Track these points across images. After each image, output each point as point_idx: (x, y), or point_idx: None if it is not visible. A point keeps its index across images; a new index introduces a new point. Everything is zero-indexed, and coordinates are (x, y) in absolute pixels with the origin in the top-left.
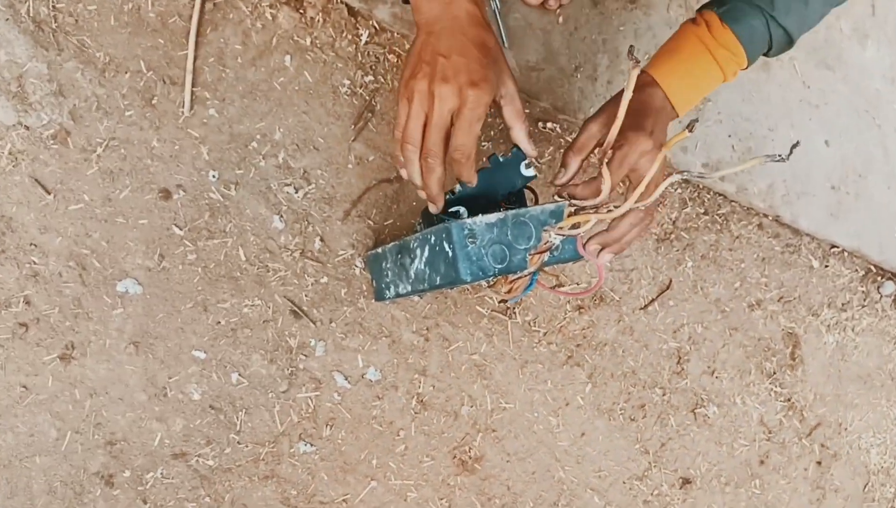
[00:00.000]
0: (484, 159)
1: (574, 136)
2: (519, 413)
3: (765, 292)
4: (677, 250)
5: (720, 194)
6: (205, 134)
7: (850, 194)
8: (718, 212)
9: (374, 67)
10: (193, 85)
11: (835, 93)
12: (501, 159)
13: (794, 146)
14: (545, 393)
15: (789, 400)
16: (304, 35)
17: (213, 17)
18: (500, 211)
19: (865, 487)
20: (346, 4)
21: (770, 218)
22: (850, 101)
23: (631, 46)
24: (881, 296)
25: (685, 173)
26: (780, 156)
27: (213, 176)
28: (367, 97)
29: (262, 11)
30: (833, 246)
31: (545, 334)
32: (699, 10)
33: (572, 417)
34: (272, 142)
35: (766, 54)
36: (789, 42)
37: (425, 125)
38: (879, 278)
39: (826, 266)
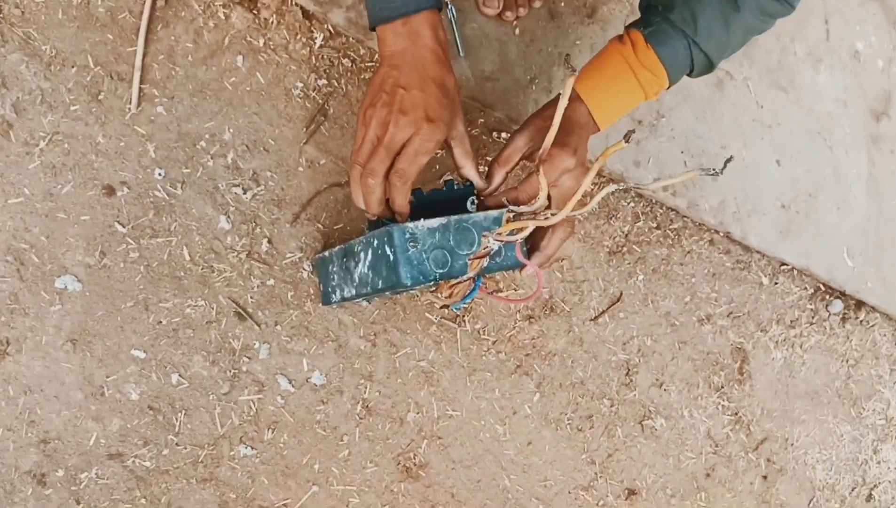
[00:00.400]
0: (440, 180)
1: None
2: (465, 421)
3: (714, 306)
4: (629, 263)
5: (672, 210)
6: (152, 131)
7: (799, 213)
8: (670, 227)
9: (328, 71)
10: (142, 82)
11: (788, 114)
12: (455, 187)
13: (728, 161)
14: (493, 402)
15: (736, 414)
16: (258, 36)
17: (165, 14)
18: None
19: (811, 502)
20: (301, 7)
21: (721, 234)
22: (802, 122)
23: (567, 55)
24: (829, 314)
25: (621, 184)
26: (713, 170)
27: (159, 174)
28: (321, 101)
29: (214, 11)
30: (783, 264)
31: (494, 342)
32: (627, 28)
33: (519, 426)
34: (221, 142)
35: (688, 75)
36: (710, 66)
37: (375, 148)
38: (828, 297)
39: (776, 283)
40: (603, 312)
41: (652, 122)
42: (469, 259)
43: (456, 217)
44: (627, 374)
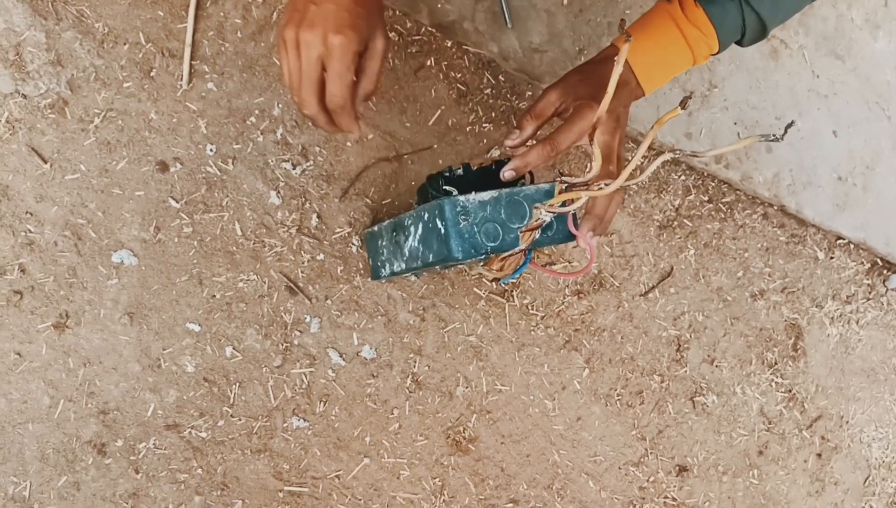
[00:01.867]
0: (487, 156)
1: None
2: (515, 396)
3: (768, 282)
4: (679, 238)
5: (725, 183)
6: (203, 108)
7: (857, 185)
8: (723, 200)
9: None
10: (192, 58)
11: (844, 83)
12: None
13: (789, 126)
14: (541, 377)
15: (790, 391)
16: None
17: None
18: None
19: (866, 481)
20: None
21: (775, 208)
22: (859, 92)
23: (622, 20)
24: (887, 289)
25: (676, 152)
26: (774, 136)
27: (211, 150)
28: None
29: None
30: (839, 238)
31: (543, 317)
32: None
33: (568, 401)
34: (271, 118)
35: (739, 43)
36: (763, 30)
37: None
38: (885, 272)
39: (831, 258)
40: (653, 287)
41: (704, 92)
42: (520, 231)
43: (507, 190)
44: (678, 350)
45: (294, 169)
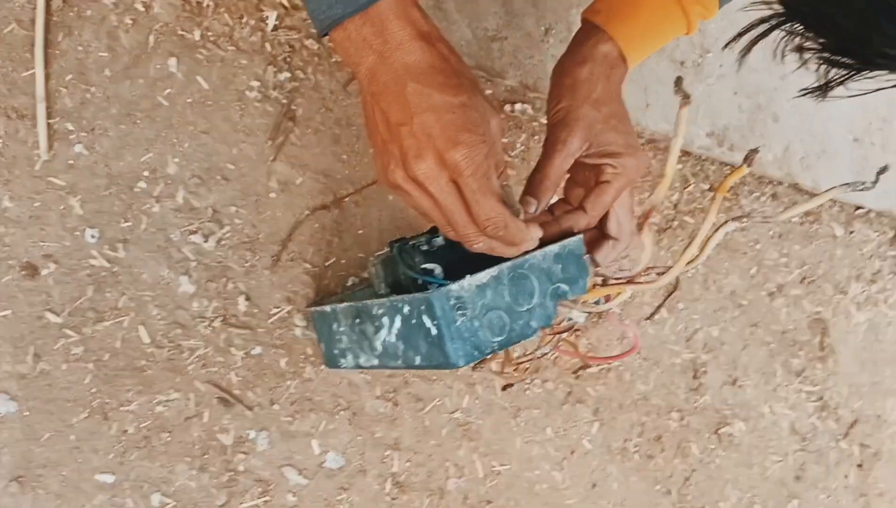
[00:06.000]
0: None
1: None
2: (517, 475)
3: (785, 274)
4: (682, 240)
5: (728, 165)
6: (74, 181)
7: (875, 144)
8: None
9: (288, 60)
10: (49, 116)
11: None
12: None
13: (882, 171)
14: (545, 444)
15: (821, 398)
16: (192, 27)
17: (64, 18)
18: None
19: None
20: None
21: (786, 185)
22: None
23: (678, 78)
24: None
25: (743, 221)
26: (863, 183)
27: (93, 236)
28: (285, 101)
29: (130, 2)
30: (858, 208)
31: (537, 370)
32: None
33: (580, 466)
34: (166, 178)
35: None
36: None
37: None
38: None
39: (851, 232)
40: (659, 306)
41: (696, 60)
42: (544, 333)
43: (508, 264)
44: (695, 376)
45: (206, 241)
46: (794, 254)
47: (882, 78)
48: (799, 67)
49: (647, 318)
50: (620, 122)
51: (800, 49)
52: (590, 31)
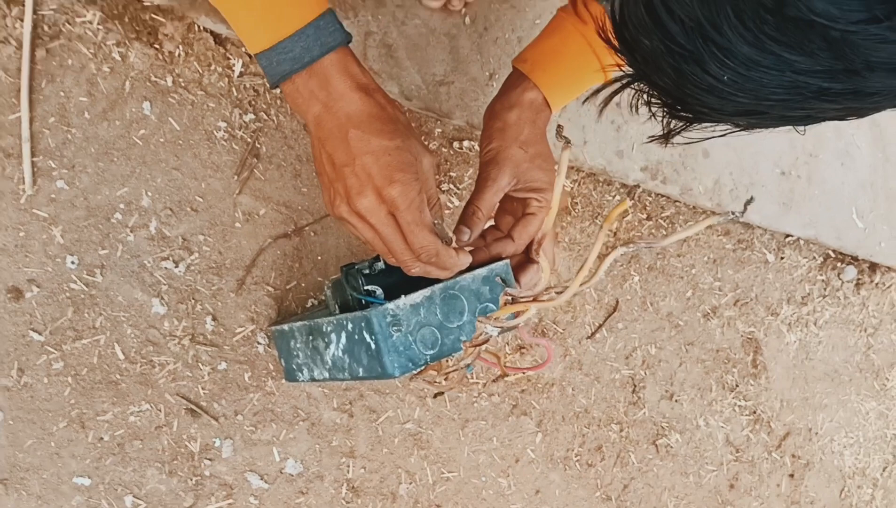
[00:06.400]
0: None
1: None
2: (465, 481)
3: (719, 296)
4: (621, 265)
5: (663, 196)
6: (55, 212)
7: (801, 177)
8: (662, 216)
9: (253, 103)
10: (33, 154)
11: None
12: None
13: (748, 202)
14: (491, 453)
15: (755, 413)
16: (164, 74)
17: (48, 66)
18: (424, 286)
19: (842, 493)
20: (211, 32)
21: None
22: None
23: (559, 126)
24: (842, 282)
25: (630, 247)
26: (733, 213)
27: (73, 262)
28: (249, 139)
29: (108, 52)
30: (788, 235)
31: (485, 384)
32: None
33: (524, 474)
34: (140, 210)
35: None
36: None
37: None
38: (839, 264)
39: (782, 258)
40: (600, 326)
41: (630, 100)
42: (465, 346)
43: (440, 285)
44: (634, 391)
45: (177, 267)
46: (727, 278)
47: (710, 128)
48: (648, 119)
49: (589, 337)
50: (545, 161)
51: (648, 103)
52: (518, 78)
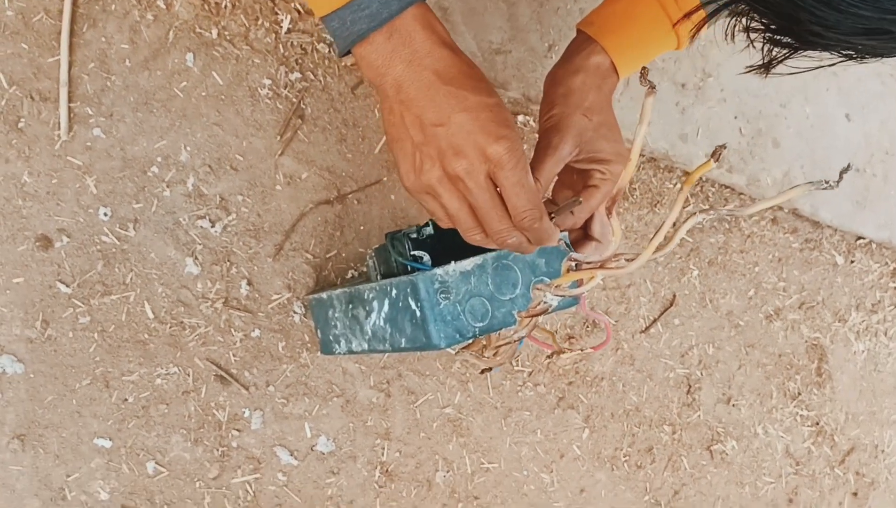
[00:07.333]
0: None
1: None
2: (505, 474)
3: (783, 298)
4: (680, 258)
5: (727, 187)
6: (90, 161)
7: (877, 176)
8: (726, 208)
9: (300, 61)
10: (71, 100)
11: None
12: None
13: (844, 171)
14: (535, 446)
15: (817, 424)
16: (210, 26)
17: (90, 10)
18: (475, 254)
19: None
20: None
21: (786, 211)
22: (871, 65)
23: (644, 69)
24: None
25: (711, 212)
26: (827, 182)
27: (105, 214)
28: (295, 99)
29: (152, 0)
30: (859, 238)
31: (531, 373)
32: None
33: (568, 471)
34: (178, 165)
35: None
36: None
37: (473, 210)
38: None
39: (852, 262)
40: (655, 320)
41: (697, 83)
42: (520, 316)
43: (493, 253)
44: (689, 392)
45: (213, 227)
46: (792, 279)
47: (816, 57)
48: (746, 47)
49: (643, 331)
50: (610, 130)
51: (746, 29)
52: (583, 41)
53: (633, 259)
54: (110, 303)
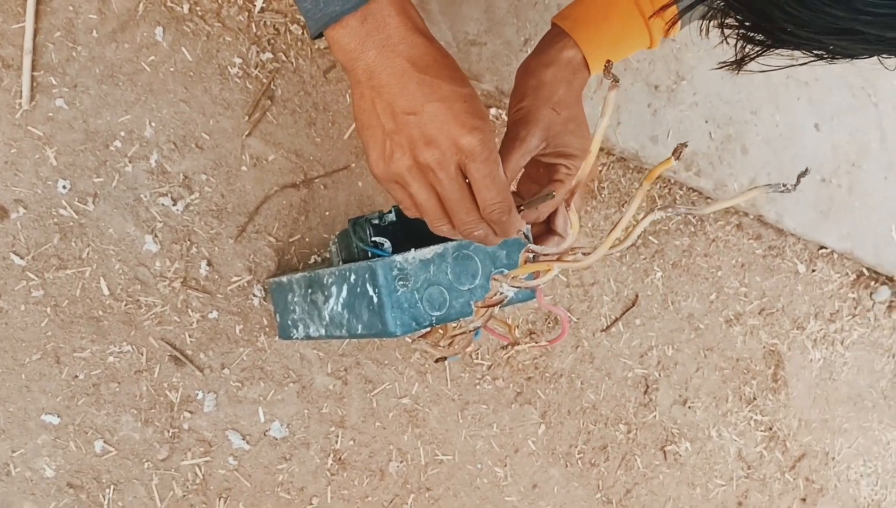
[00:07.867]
0: None
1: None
2: (459, 466)
3: (744, 303)
4: (644, 259)
5: (694, 191)
6: (51, 132)
7: (842, 187)
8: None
9: (272, 42)
10: (34, 68)
11: (826, 67)
12: None
13: (802, 175)
14: (490, 439)
15: (771, 429)
16: (181, 0)
17: None
18: (436, 243)
19: None
20: None
21: (751, 217)
22: (842, 76)
23: (608, 62)
24: (874, 303)
25: (669, 210)
26: (784, 185)
27: (64, 187)
28: (265, 80)
29: None
30: (821, 247)
31: (490, 367)
32: None
33: (522, 466)
34: (141, 140)
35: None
36: None
37: (441, 200)
38: (872, 283)
39: (813, 271)
40: (616, 320)
41: (670, 86)
42: (476, 306)
43: (454, 243)
44: (646, 392)
45: (175, 205)
46: (754, 284)
47: (788, 56)
48: (720, 43)
49: (604, 330)
50: (578, 126)
51: (721, 26)
52: (557, 35)
53: (589, 253)
54: (65, 278)
